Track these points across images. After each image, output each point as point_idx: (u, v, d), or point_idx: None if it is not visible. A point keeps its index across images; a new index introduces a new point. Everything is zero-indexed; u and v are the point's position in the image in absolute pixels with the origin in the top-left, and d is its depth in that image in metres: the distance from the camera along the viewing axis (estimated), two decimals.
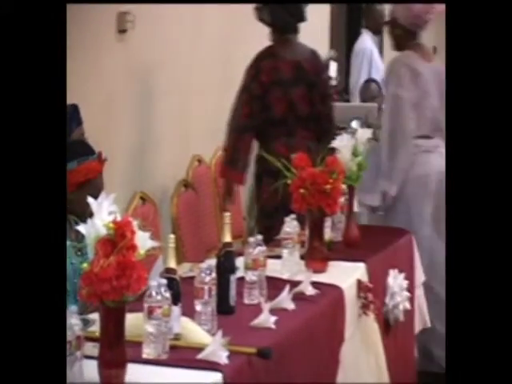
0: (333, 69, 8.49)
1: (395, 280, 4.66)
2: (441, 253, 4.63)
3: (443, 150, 5.17)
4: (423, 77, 5.50)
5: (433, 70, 5.54)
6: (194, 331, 3.24)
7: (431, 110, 5.47)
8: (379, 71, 8.69)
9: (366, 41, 8.92)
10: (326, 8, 8.72)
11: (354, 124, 6.66)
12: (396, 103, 5.45)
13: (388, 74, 5.70)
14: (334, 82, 8.48)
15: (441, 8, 5.32)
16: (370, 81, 8.74)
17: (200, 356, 3.09)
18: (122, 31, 5.83)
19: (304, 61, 5.72)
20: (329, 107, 5.83)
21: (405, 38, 5.64)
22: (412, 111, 5.42)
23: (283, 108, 5.65)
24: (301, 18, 5.78)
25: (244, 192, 6.75)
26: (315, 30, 7.96)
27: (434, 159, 5.45)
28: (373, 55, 8.88)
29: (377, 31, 8.95)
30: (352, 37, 9.73)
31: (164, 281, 3.09)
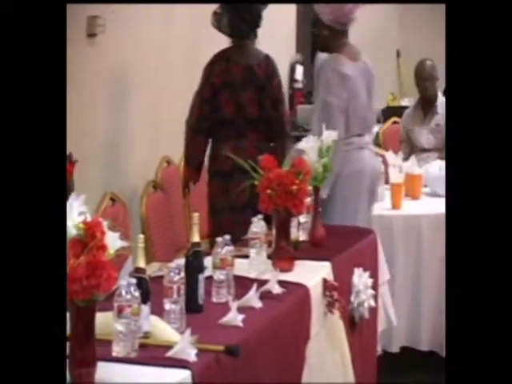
0: (299, 72, 8.51)
1: (360, 278, 4.66)
2: None
3: (372, 146, 5.34)
4: (351, 79, 5.45)
5: (359, 69, 5.50)
6: (163, 329, 3.24)
7: (361, 109, 5.44)
8: None
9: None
10: (292, 12, 8.72)
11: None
12: (325, 109, 5.41)
13: (316, 79, 5.67)
14: (300, 85, 8.51)
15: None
16: None
17: (169, 354, 3.09)
18: (92, 35, 5.82)
19: (256, 65, 5.72)
20: (280, 111, 5.78)
21: (331, 38, 5.56)
22: (341, 115, 5.39)
23: (232, 110, 5.67)
24: (256, 25, 5.78)
25: None
26: (282, 35, 7.98)
27: (367, 156, 5.46)
28: None
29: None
30: (315, 41, 9.76)
31: (133, 280, 3.08)
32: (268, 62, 5.80)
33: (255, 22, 5.79)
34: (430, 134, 6.86)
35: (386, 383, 5.18)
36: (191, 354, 3.07)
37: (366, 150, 5.46)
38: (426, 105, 6.96)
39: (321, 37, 5.65)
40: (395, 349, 5.54)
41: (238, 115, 5.66)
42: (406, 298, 5.60)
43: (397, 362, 5.46)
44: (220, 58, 5.75)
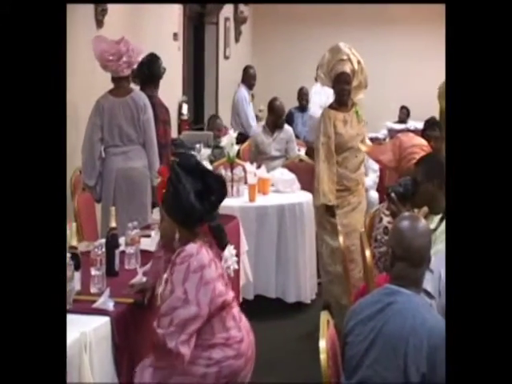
0: (185, 108, 8.51)
1: (228, 250, 4.65)
2: None
3: (127, 150, 5.14)
4: (107, 108, 5.16)
5: (120, 101, 5.19)
6: None
7: (118, 127, 5.17)
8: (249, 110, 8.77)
9: (241, 91, 8.87)
10: (179, 63, 8.65)
11: (198, 145, 6.67)
12: (88, 127, 5.19)
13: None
14: (185, 117, 8.49)
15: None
16: (214, 116, 8.76)
17: (94, 305, 3.05)
18: None
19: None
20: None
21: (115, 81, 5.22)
22: (98, 132, 5.16)
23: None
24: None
25: None
26: (172, 81, 7.90)
27: (119, 160, 5.19)
28: (245, 100, 8.85)
29: (250, 86, 8.93)
30: (198, 85, 9.74)
31: (69, 254, 3.03)
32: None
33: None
34: (277, 144, 6.94)
35: None
36: (110, 306, 3.04)
37: (120, 155, 5.20)
38: (272, 126, 6.95)
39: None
40: (251, 297, 5.55)
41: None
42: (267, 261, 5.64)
43: (252, 306, 5.48)
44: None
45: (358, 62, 5.52)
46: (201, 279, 2.90)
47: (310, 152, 7.90)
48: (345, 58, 5.46)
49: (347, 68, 5.44)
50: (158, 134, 5.41)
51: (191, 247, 2.96)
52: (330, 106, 5.56)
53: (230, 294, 3.09)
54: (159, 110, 5.53)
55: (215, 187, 3.08)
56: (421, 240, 2.70)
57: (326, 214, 5.40)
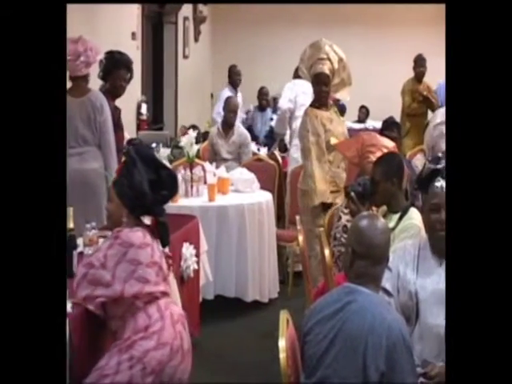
0: (144, 108, 8.46)
1: (187, 250, 4.66)
2: None
3: (82, 151, 5.03)
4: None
5: (77, 102, 5.02)
6: None
7: (74, 129, 5.01)
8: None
9: (225, 91, 8.85)
10: (138, 63, 8.60)
11: (157, 145, 6.63)
12: None
13: None
14: (144, 117, 8.45)
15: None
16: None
17: None
18: None
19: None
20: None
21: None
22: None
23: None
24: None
25: None
26: (131, 81, 7.83)
27: (74, 161, 4.98)
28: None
29: (235, 83, 8.94)
30: (157, 85, 9.69)
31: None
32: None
33: None
34: (229, 147, 7.00)
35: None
36: (68, 307, 3.00)
37: (75, 156, 5.03)
38: (227, 128, 7.04)
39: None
40: (211, 296, 5.53)
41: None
42: (227, 260, 5.62)
43: (212, 306, 5.47)
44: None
45: (340, 60, 5.46)
46: (124, 254, 2.91)
47: (281, 145, 7.93)
48: (324, 57, 5.34)
49: (326, 68, 5.33)
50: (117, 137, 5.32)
51: (130, 227, 2.98)
52: (312, 105, 5.45)
53: (160, 288, 3.04)
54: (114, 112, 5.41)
55: (168, 182, 3.08)
56: (381, 238, 2.72)
57: (323, 213, 5.10)
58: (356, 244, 2.72)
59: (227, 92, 8.78)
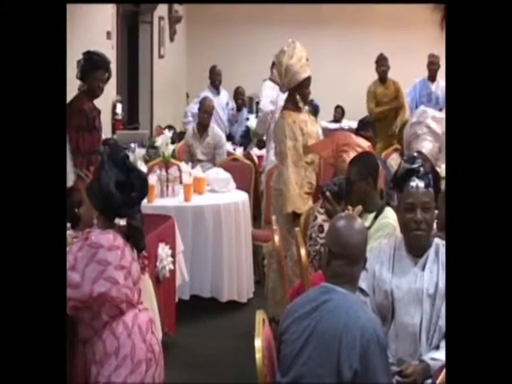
0: (119, 107, 8.41)
1: (163, 250, 4.65)
2: None
3: None
4: None
5: None
6: None
7: None
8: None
9: (206, 91, 8.81)
10: (113, 62, 8.55)
11: (133, 145, 6.59)
12: None
13: None
14: (120, 117, 8.40)
15: None
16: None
17: None
18: None
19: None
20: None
21: None
22: None
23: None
24: None
25: None
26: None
27: None
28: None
29: (215, 83, 8.93)
30: (132, 84, 9.65)
31: None
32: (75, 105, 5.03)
33: None
34: (204, 149, 7.01)
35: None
36: None
37: None
38: (201, 129, 7.05)
39: None
40: (187, 296, 5.52)
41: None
42: (203, 261, 5.60)
43: (188, 306, 5.46)
44: None
45: (307, 59, 5.45)
46: (94, 255, 2.88)
47: (261, 144, 7.91)
48: (306, 61, 5.28)
49: (309, 71, 5.27)
50: (70, 140, 5.10)
51: (100, 229, 2.97)
52: (287, 108, 5.30)
53: (127, 293, 2.94)
54: (74, 114, 5.15)
55: (137, 184, 3.04)
56: (357, 238, 2.72)
57: (294, 222, 4.99)
58: (332, 244, 2.73)
59: (207, 92, 8.78)
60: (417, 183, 3.05)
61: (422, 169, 3.08)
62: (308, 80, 5.30)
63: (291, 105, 5.30)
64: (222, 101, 8.98)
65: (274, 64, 5.53)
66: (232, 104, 9.22)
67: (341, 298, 2.65)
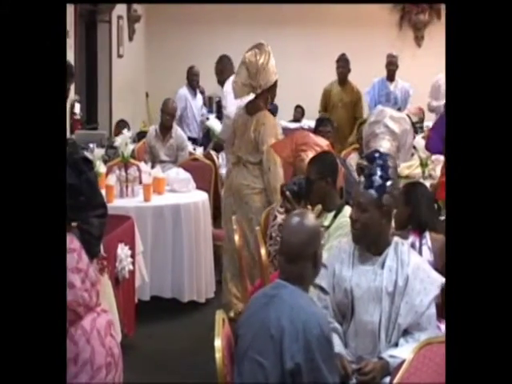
0: (78, 107, 8.33)
1: (122, 250, 4.61)
2: None
3: None
4: None
5: None
6: None
7: None
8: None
9: (182, 90, 8.82)
10: (71, 62, 8.46)
11: (91, 145, 6.53)
12: None
13: None
14: (78, 117, 8.32)
15: None
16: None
17: None
18: None
19: None
20: None
21: None
22: None
23: None
24: None
25: None
26: None
27: None
28: (184, 99, 8.78)
29: (192, 83, 8.88)
30: (91, 84, 9.57)
31: None
32: None
33: None
34: (167, 150, 6.99)
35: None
36: None
37: None
38: (164, 130, 7.01)
39: None
40: (147, 297, 5.49)
41: None
42: (163, 261, 5.57)
43: (148, 307, 5.43)
44: None
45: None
46: None
47: (219, 148, 7.86)
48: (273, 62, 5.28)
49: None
50: None
51: None
52: (263, 109, 5.26)
53: (84, 296, 2.86)
54: None
55: (85, 187, 2.99)
56: (297, 237, 2.68)
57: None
58: (279, 241, 2.77)
59: (184, 90, 8.75)
60: (363, 182, 3.07)
61: (375, 169, 3.05)
62: (276, 81, 5.32)
63: (264, 105, 5.31)
64: (198, 103, 8.96)
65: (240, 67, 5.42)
66: (204, 110, 9.21)
67: (289, 293, 2.65)
